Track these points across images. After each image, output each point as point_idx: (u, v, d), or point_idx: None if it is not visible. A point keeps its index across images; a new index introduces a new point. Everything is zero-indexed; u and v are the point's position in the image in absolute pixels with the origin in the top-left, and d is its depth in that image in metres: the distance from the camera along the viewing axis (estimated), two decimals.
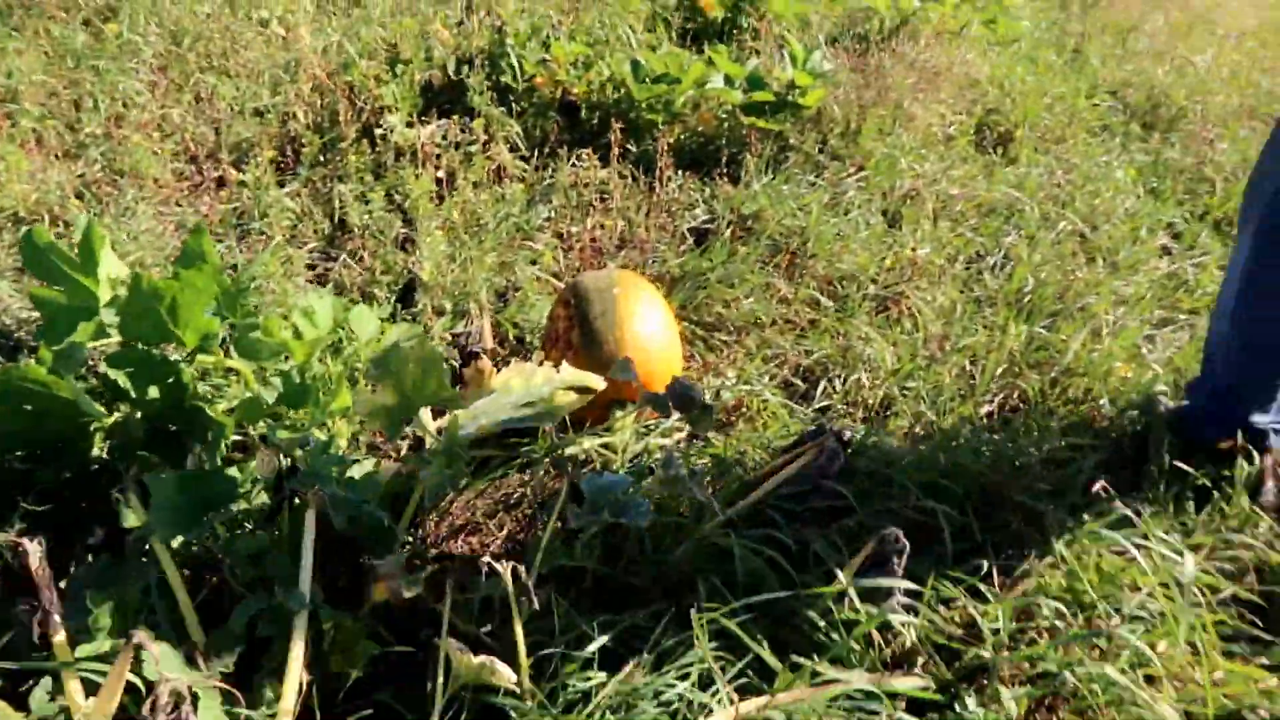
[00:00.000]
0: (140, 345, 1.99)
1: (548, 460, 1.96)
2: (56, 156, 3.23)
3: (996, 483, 1.99)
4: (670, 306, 2.62)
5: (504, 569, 1.38)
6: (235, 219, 3.01)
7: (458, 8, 4.01)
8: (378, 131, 3.29)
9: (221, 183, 3.23)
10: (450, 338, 2.43)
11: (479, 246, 2.76)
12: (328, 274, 2.81)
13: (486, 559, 1.41)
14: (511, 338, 2.53)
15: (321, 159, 3.33)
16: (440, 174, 3.16)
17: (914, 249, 2.86)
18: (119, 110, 3.55)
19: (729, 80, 3.54)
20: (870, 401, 2.33)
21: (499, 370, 2.11)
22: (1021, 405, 2.38)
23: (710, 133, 3.60)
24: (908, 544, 1.59)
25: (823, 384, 2.42)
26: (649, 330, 2.22)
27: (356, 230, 2.94)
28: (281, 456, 1.64)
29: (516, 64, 3.46)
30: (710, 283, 2.75)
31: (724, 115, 3.59)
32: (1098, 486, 1.94)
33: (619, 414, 2.19)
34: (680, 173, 3.38)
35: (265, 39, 4.08)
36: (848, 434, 1.99)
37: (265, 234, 2.95)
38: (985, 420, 2.31)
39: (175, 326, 2.00)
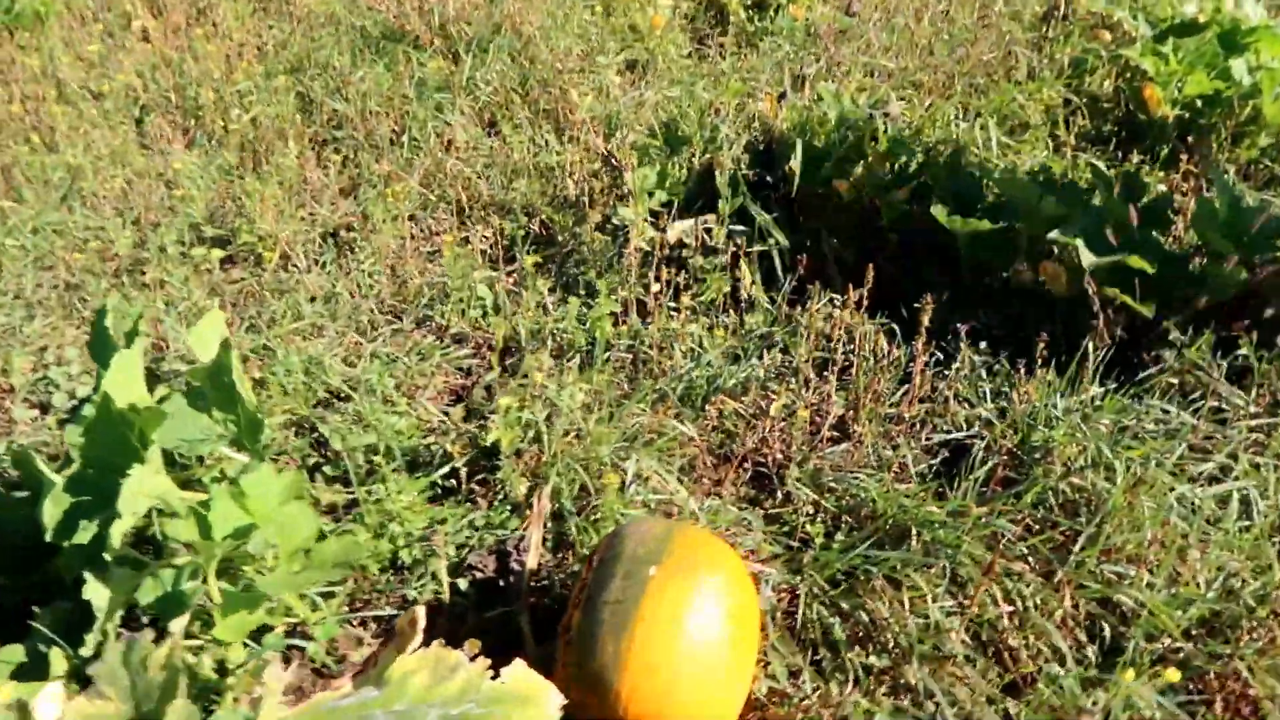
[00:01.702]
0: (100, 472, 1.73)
1: None
2: (336, 191, 3.22)
3: None
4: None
5: None
6: (429, 298, 2.70)
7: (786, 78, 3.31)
8: (615, 220, 2.78)
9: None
10: (493, 542, 1.85)
11: (614, 411, 2.13)
12: (467, 393, 2.38)
13: None
14: (580, 553, 1.87)
15: (559, 240, 2.92)
16: (657, 287, 2.55)
17: None
18: (425, 145, 3.46)
19: (1098, 222, 2.42)
20: None
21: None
22: None
23: (1059, 294, 2.52)
24: None
25: None
26: (682, 647, 1.44)
27: (525, 341, 2.48)
28: None
29: (799, 159, 2.70)
30: (894, 556, 1.81)
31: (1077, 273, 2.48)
32: None
33: None
34: (980, 347, 2.39)
35: (597, 88, 3.78)
36: None
37: (440, 323, 2.61)
38: None
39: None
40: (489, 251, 2.91)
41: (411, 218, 3.09)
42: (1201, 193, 2.71)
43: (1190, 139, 3.28)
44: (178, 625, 1.43)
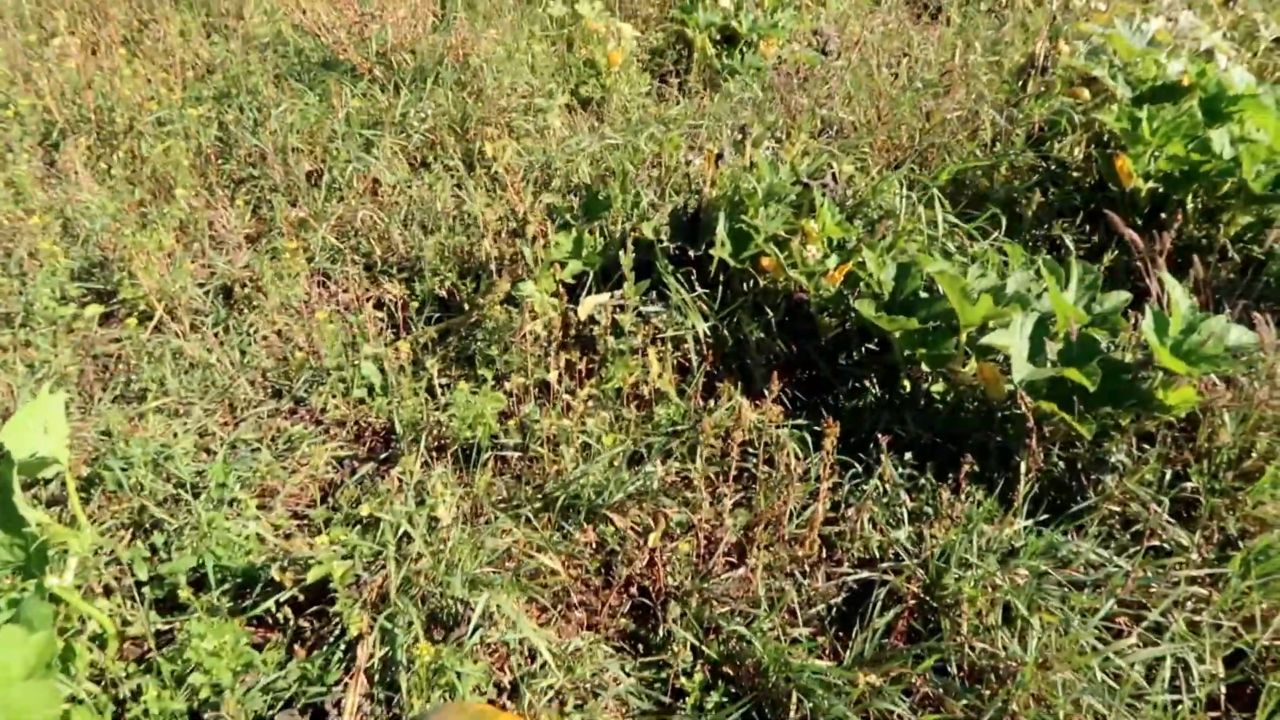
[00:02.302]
0: None
1: None
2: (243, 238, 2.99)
3: None
4: None
5: None
6: (314, 372, 2.47)
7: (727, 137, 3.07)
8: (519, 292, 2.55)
9: (348, 308, 2.73)
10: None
11: (490, 519, 1.90)
12: (334, 492, 2.15)
13: None
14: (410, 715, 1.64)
15: (465, 309, 2.69)
16: (555, 373, 2.32)
17: None
18: (346, 189, 3.23)
19: (1042, 324, 2.18)
20: None
21: None
22: None
23: (998, 400, 2.28)
24: None
25: None
26: None
27: (402, 434, 2.24)
28: None
29: (724, 234, 2.46)
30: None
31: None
32: None
33: None
34: (906, 458, 2.15)
35: (540, 131, 3.55)
36: None
37: (317, 405, 2.38)
38: None
39: None
40: (393, 315, 2.68)
41: (317, 272, 2.86)
42: (1159, 296, 2.46)
43: (1163, 215, 3.04)
44: None
